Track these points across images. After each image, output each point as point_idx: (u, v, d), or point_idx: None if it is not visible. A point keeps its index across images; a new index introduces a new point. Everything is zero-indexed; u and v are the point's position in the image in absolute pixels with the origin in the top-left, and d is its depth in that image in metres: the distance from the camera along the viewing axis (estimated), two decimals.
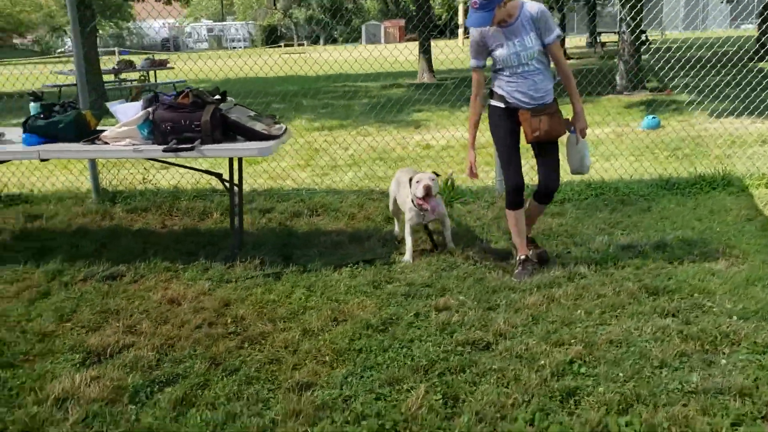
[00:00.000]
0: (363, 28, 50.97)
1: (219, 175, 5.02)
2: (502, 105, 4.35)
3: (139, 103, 4.72)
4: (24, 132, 4.76)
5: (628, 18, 12.62)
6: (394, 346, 3.53)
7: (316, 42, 51.59)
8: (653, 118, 9.72)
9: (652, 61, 15.43)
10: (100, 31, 61.80)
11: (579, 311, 3.84)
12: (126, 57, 19.07)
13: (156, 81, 16.90)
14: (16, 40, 50.83)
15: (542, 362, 3.25)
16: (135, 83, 16.70)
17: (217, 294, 4.28)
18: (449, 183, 6.28)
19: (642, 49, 13.84)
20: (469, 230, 5.41)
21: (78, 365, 3.43)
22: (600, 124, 8.96)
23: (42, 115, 4.77)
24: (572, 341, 3.48)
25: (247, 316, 3.96)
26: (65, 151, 4.66)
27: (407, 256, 4.82)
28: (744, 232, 5.02)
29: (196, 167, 5.27)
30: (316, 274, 4.57)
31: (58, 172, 7.61)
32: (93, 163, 6.56)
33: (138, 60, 17.64)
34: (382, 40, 52.04)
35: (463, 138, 8.52)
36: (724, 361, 3.22)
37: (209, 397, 3.10)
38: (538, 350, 3.39)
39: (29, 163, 7.38)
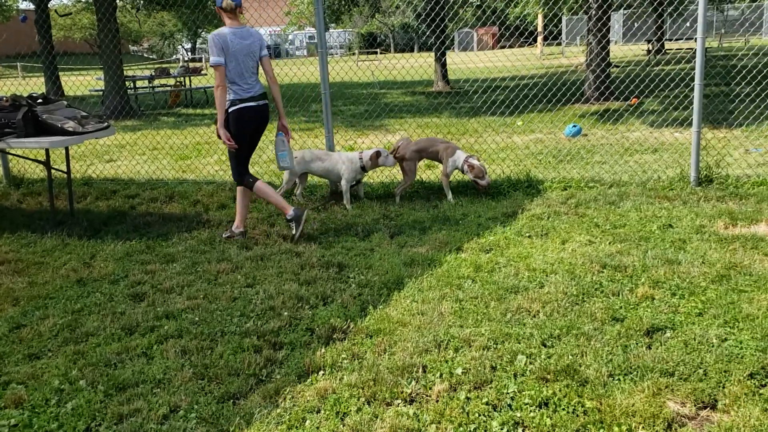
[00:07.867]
0: (455, 35, 51.88)
1: (44, 163, 6.22)
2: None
3: None
4: None
5: (594, 30, 12.90)
6: (80, 293, 4.59)
7: (418, 49, 52.72)
8: (574, 126, 10.13)
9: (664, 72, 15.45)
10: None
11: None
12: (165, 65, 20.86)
13: (191, 86, 18.66)
14: (132, 47, 55.56)
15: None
16: (171, 89, 18.49)
17: (6, 255, 5.47)
18: None
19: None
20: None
21: None
22: (528, 132, 9.52)
23: None
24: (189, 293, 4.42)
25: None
26: None
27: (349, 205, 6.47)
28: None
29: (31, 157, 6.51)
30: (100, 243, 5.68)
31: None
32: (3, 157, 8.00)
33: (173, 68, 19.46)
34: (475, 48, 52.86)
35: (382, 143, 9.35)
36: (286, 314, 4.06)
37: None
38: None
39: None
